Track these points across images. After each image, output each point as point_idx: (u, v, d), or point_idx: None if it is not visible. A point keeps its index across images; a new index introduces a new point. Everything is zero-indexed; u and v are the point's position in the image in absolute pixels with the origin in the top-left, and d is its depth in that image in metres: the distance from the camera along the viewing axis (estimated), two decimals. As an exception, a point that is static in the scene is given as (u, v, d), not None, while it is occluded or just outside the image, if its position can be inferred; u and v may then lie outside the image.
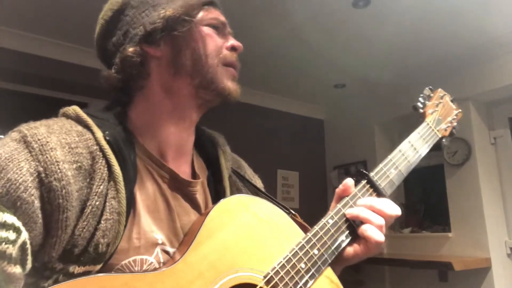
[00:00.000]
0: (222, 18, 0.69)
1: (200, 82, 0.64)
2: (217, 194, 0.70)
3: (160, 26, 0.61)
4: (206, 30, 0.66)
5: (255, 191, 0.75)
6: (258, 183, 0.82)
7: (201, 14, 0.65)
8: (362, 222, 0.65)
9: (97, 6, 0.69)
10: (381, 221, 0.65)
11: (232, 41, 0.69)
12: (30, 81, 2.76)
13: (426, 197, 3.62)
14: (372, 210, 0.66)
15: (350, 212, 0.66)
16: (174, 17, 0.62)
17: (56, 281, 0.50)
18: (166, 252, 0.59)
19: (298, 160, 3.91)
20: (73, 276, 0.50)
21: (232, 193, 0.71)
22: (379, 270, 3.50)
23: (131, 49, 0.61)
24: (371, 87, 3.48)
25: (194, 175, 0.70)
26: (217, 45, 0.66)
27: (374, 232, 0.64)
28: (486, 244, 2.84)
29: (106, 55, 0.66)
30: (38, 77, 2.69)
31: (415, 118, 0.86)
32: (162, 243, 0.59)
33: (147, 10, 0.63)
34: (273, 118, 3.86)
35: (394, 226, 3.59)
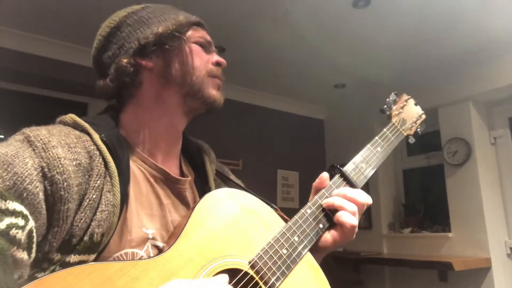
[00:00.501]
0: (208, 37, 0.76)
1: (187, 91, 0.71)
2: (205, 193, 0.75)
3: (153, 40, 0.68)
4: (194, 47, 0.73)
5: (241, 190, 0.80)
6: (240, 182, 0.88)
7: (190, 33, 0.73)
8: (337, 210, 0.72)
9: (97, 6, 0.70)
10: (354, 208, 0.72)
11: (216, 57, 0.76)
12: (30, 81, 2.76)
13: (426, 197, 3.63)
14: (345, 198, 0.73)
15: (326, 201, 0.74)
16: (166, 33, 0.69)
17: (53, 272, 0.53)
18: (156, 247, 0.64)
19: (298, 160, 3.92)
20: (69, 265, 0.54)
21: None
22: (379, 270, 3.50)
23: (125, 60, 0.68)
24: (371, 87, 3.48)
25: (182, 175, 0.75)
26: (203, 60, 0.73)
27: (348, 217, 0.70)
28: (486, 244, 2.85)
29: (102, 67, 0.72)
30: (38, 77, 2.69)
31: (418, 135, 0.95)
32: (153, 238, 0.64)
33: (142, 27, 0.70)
34: (273, 118, 3.86)
35: (394, 226, 3.59)
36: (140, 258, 0.61)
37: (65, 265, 0.54)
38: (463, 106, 3.09)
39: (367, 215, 3.64)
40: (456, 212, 3.08)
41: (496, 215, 2.98)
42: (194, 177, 0.78)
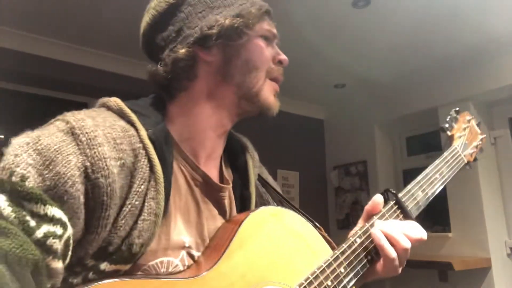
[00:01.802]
0: (275, 30, 0.70)
1: (244, 93, 0.65)
2: (243, 199, 0.70)
3: (217, 32, 0.60)
4: (260, 42, 0.66)
5: (278, 198, 0.75)
6: (278, 189, 0.82)
7: (257, 25, 0.66)
8: (391, 243, 0.66)
9: (98, 6, 0.69)
10: (407, 244, 0.66)
11: (281, 56, 0.70)
12: (30, 81, 2.75)
13: (426, 197, 3.62)
14: (401, 232, 0.67)
15: (384, 229, 0.67)
16: (232, 27, 0.61)
17: (86, 278, 0.50)
18: (191, 256, 0.59)
19: (298, 160, 3.91)
20: (103, 273, 0.50)
21: (256, 199, 0.71)
22: (379, 270, 3.49)
23: (183, 51, 0.61)
24: (371, 87, 3.48)
25: (221, 179, 0.69)
26: (267, 58, 0.67)
27: (388, 248, 0.66)
28: (486, 244, 2.84)
29: (153, 49, 0.66)
30: (38, 77, 2.69)
31: (417, 118, 0.85)
32: (189, 247, 0.59)
33: (204, 11, 0.62)
34: (273, 118, 3.85)
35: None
36: (175, 268, 0.57)
37: (99, 272, 0.50)
38: (463, 106, 3.08)
39: (367, 215, 3.63)
40: (456, 212, 3.08)
41: (496, 215, 2.98)
42: (233, 179, 0.72)
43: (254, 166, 0.74)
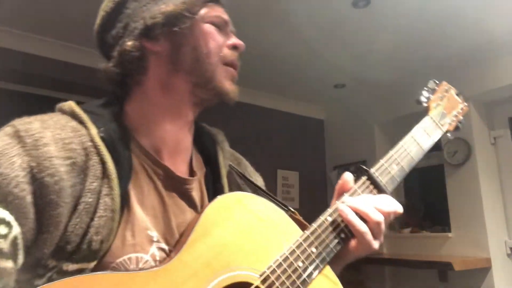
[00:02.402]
0: (225, 16, 0.68)
1: (198, 80, 0.63)
2: (216, 191, 0.69)
3: (161, 21, 0.60)
4: (208, 27, 0.64)
5: (254, 189, 0.74)
6: (259, 181, 0.81)
7: (203, 11, 0.64)
8: (361, 217, 0.64)
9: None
10: (379, 217, 0.64)
11: (234, 40, 0.68)
12: (30, 81, 2.76)
13: (426, 197, 3.62)
14: (371, 205, 0.64)
15: (351, 203, 0.64)
16: (175, 13, 0.60)
17: (50, 280, 0.50)
18: (162, 250, 0.58)
19: (298, 160, 3.91)
20: (66, 273, 0.50)
21: (231, 191, 0.70)
22: (379, 270, 3.50)
23: (130, 43, 0.60)
24: (371, 87, 3.48)
25: (191, 172, 0.69)
26: (218, 44, 0.65)
27: (359, 224, 0.63)
28: (486, 244, 2.84)
29: (106, 48, 0.66)
30: (38, 77, 2.69)
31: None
32: (157, 241, 0.58)
33: (149, 4, 0.62)
34: (273, 118, 3.86)
35: (394, 226, 3.59)
36: (145, 263, 0.56)
37: (61, 272, 0.50)
38: (463, 106, 3.09)
39: (367, 215, 3.64)
40: (456, 212, 3.08)
41: (496, 215, 2.98)
42: (206, 172, 0.71)
43: (225, 158, 0.73)
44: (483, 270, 2.82)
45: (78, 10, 2.28)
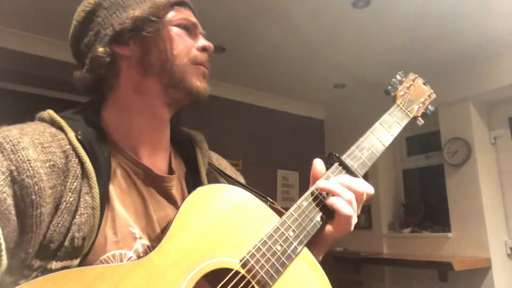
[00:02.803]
0: (193, 18, 0.69)
1: (168, 81, 0.65)
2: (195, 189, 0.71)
3: (129, 26, 0.62)
4: (175, 30, 0.66)
5: (234, 184, 0.75)
6: (241, 180, 0.83)
7: (170, 15, 0.66)
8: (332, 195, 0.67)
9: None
10: (350, 195, 0.66)
11: (202, 42, 0.69)
12: (30, 81, 2.76)
13: (426, 197, 3.63)
14: (342, 185, 0.67)
15: (323, 185, 0.67)
16: (142, 17, 0.62)
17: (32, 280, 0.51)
18: (146, 246, 0.61)
19: (298, 160, 3.91)
20: (51, 272, 0.51)
21: None
22: (379, 270, 3.50)
23: (100, 49, 0.62)
24: (371, 87, 3.48)
25: (171, 171, 0.71)
26: (187, 46, 0.67)
27: (343, 204, 0.65)
28: (486, 244, 2.85)
29: (79, 56, 0.68)
30: (38, 77, 2.69)
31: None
32: (140, 237, 0.60)
33: (118, 11, 0.64)
34: (273, 118, 3.86)
35: (394, 226, 3.59)
36: (129, 260, 0.58)
37: (46, 271, 0.51)
38: (463, 106, 3.09)
39: (367, 215, 3.64)
40: (456, 212, 3.08)
41: (496, 215, 2.98)
42: (185, 171, 0.73)
43: (203, 156, 0.75)
44: (483, 270, 2.82)
45: (78, 10, 2.28)
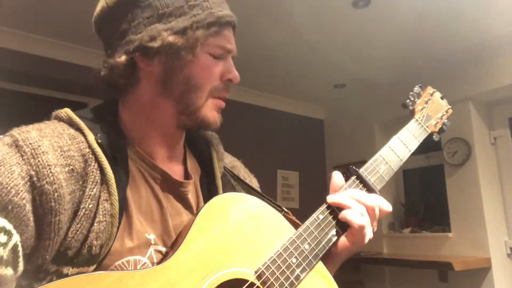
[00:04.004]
0: (229, 45, 0.64)
1: (183, 109, 0.63)
2: (210, 193, 0.70)
3: (157, 46, 0.58)
4: (205, 60, 0.62)
5: (248, 190, 0.75)
6: (254, 182, 0.83)
7: (206, 39, 0.61)
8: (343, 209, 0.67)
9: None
10: (361, 207, 0.66)
11: (230, 74, 0.65)
12: (30, 81, 2.76)
13: (426, 197, 3.63)
14: (353, 199, 0.68)
15: (333, 199, 0.68)
16: (173, 47, 0.58)
17: (50, 282, 0.50)
18: (160, 252, 0.60)
19: (298, 160, 3.91)
20: (66, 277, 0.51)
21: (225, 192, 0.71)
22: (379, 270, 3.50)
23: (122, 59, 0.59)
24: (371, 87, 3.48)
25: (186, 175, 0.70)
26: (212, 77, 0.63)
27: (354, 215, 0.65)
28: (486, 244, 2.84)
29: (103, 38, 0.65)
30: (38, 77, 2.69)
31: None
32: (155, 243, 0.60)
33: (152, 16, 0.59)
34: (273, 118, 3.86)
35: (394, 226, 3.59)
36: (143, 266, 0.57)
37: (62, 276, 0.51)
38: (463, 106, 3.09)
39: (367, 215, 3.64)
40: (456, 212, 3.08)
41: (496, 215, 2.98)
42: (200, 174, 0.72)
43: (219, 160, 0.73)
44: (483, 270, 2.82)
45: (78, 10, 2.28)
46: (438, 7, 2.35)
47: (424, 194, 3.70)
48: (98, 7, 0.64)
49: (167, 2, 0.60)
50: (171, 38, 0.58)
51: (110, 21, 0.62)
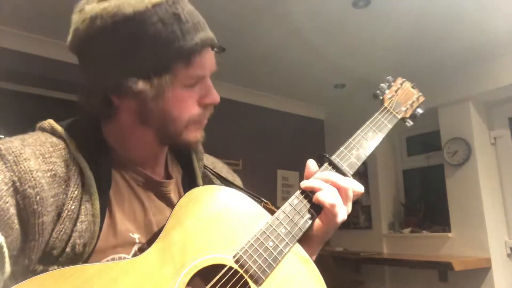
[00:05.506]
0: (202, 72, 0.62)
1: (164, 135, 0.65)
2: None
3: (128, 87, 0.57)
4: (179, 93, 0.61)
5: (229, 186, 0.77)
6: (237, 181, 0.85)
7: (180, 72, 0.59)
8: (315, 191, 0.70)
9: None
10: (332, 188, 0.69)
11: (208, 99, 0.64)
12: (30, 81, 2.76)
13: (426, 197, 3.63)
14: (325, 181, 0.70)
15: (305, 184, 0.70)
16: (141, 93, 0.58)
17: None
18: (144, 250, 0.61)
19: (298, 160, 3.89)
20: None
21: None
22: (379, 270, 3.50)
23: (97, 99, 0.60)
24: (371, 87, 3.46)
25: (167, 176, 0.73)
26: (188, 110, 0.63)
27: (325, 195, 0.67)
28: (486, 244, 2.85)
29: (82, 52, 0.64)
30: (38, 77, 2.69)
31: (418, 118, 0.91)
32: (139, 242, 0.62)
33: (123, 51, 0.57)
34: (273, 118, 3.86)
35: (394, 226, 3.59)
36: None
37: None
38: (463, 106, 3.09)
39: (367, 215, 3.64)
40: (456, 212, 3.08)
41: (496, 215, 2.98)
42: (182, 175, 0.75)
43: (199, 159, 0.76)
44: (483, 270, 2.82)
45: (78, 10, 2.28)
46: (438, 7, 2.35)
47: (424, 194, 3.71)
48: (79, 25, 0.62)
49: (133, 44, 0.57)
50: (139, 87, 0.57)
51: (83, 46, 0.61)
